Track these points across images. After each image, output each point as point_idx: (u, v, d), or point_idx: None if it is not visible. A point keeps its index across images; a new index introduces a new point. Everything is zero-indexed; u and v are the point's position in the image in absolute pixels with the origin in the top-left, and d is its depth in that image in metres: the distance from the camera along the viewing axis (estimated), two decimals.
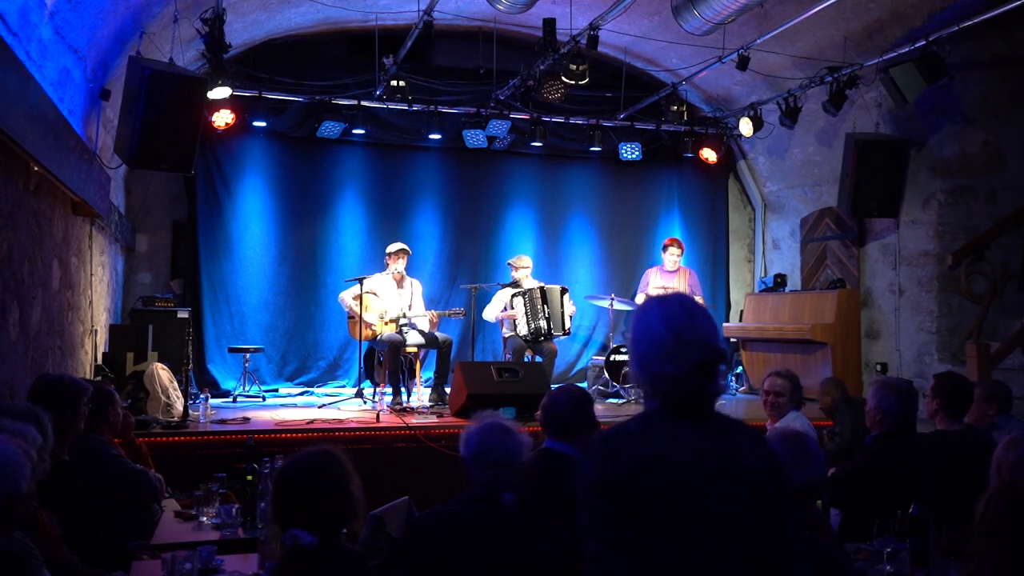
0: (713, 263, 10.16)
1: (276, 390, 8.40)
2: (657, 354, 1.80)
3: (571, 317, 8.10)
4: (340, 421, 6.32)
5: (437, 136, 8.66)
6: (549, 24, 6.81)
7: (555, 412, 3.25)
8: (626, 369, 7.99)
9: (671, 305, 1.84)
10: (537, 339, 7.76)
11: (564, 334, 8.02)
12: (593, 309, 9.31)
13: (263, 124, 8.36)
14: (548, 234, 9.67)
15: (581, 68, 6.86)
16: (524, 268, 8.05)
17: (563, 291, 8.00)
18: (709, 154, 9.50)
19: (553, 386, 6.90)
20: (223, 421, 6.09)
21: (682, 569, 1.76)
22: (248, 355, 7.98)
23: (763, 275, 10.01)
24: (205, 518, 3.53)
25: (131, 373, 6.06)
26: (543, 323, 7.73)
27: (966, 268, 6.85)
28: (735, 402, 8.29)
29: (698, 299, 8.45)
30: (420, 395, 7.53)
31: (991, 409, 4.27)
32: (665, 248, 8.69)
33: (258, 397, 7.78)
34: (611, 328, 8.70)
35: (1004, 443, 2.79)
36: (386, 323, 7.47)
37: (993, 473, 2.80)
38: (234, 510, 3.46)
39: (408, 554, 2.41)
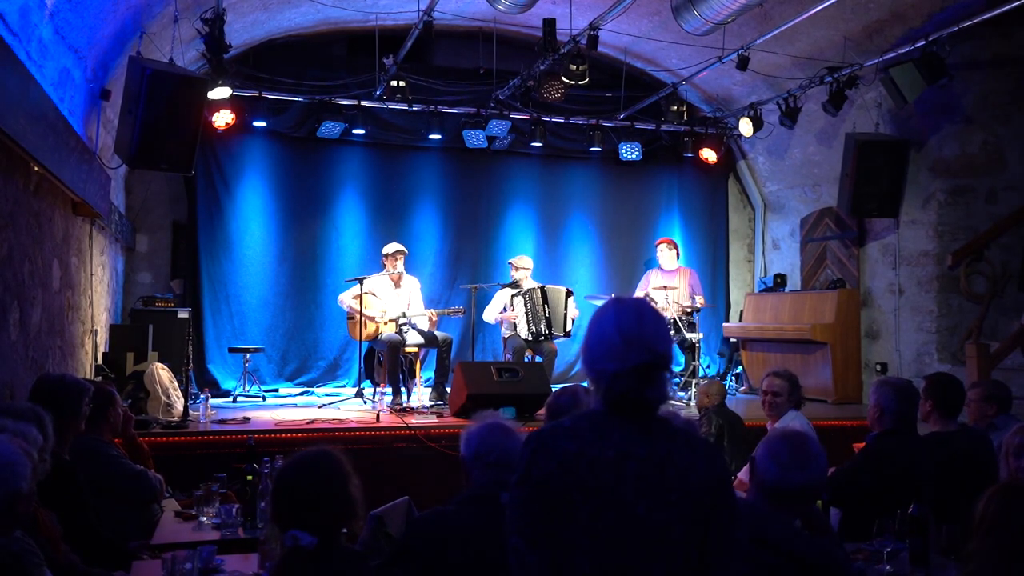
0: (713, 263, 10.16)
1: (276, 390, 8.40)
2: (603, 352, 1.84)
3: (573, 320, 8.11)
4: (340, 421, 6.32)
5: (437, 136, 8.66)
6: (549, 24, 6.81)
7: (559, 412, 3.26)
8: None
9: (626, 307, 1.88)
10: (537, 339, 7.76)
11: (565, 335, 8.03)
12: (593, 309, 9.29)
13: (263, 124, 8.36)
14: (548, 234, 9.67)
15: (581, 68, 6.86)
16: (524, 269, 8.06)
17: (568, 293, 8.01)
18: (709, 154, 9.50)
19: (553, 386, 6.93)
20: (223, 421, 6.09)
21: (600, 570, 1.76)
22: (248, 355, 7.98)
23: (763, 275, 10.01)
24: (205, 518, 3.54)
25: (131, 373, 6.06)
26: (543, 323, 7.73)
27: (966, 268, 6.85)
28: (735, 402, 8.29)
29: (699, 299, 8.54)
30: (420, 395, 7.53)
31: (990, 409, 4.26)
32: (656, 247, 8.78)
33: (258, 397, 7.78)
34: None
35: (1014, 430, 2.90)
36: (386, 323, 7.47)
37: (1001, 459, 2.84)
38: (234, 510, 3.46)
39: (408, 554, 2.41)
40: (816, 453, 2.53)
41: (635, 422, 1.83)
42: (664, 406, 1.90)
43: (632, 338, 1.82)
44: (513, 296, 7.92)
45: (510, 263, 8.19)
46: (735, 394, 9.03)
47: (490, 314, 8.14)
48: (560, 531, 1.77)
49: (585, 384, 8.24)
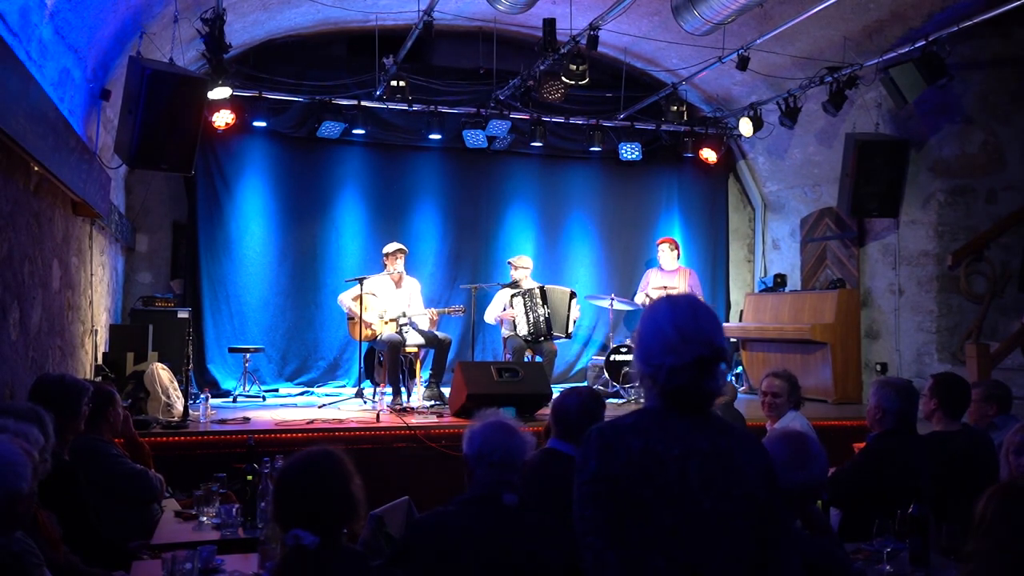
0: (713, 263, 10.16)
1: (276, 390, 8.40)
2: (660, 348, 1.86)
3: (575, 322, 8.11)
4: (340, 421, 6.32)
5: (437, 136, 8.66)
6: (549, 24, 6.81)
7: (564, 412, 3.27)
8: (626, 369, 8.00)
9: (679, 304, 1.91)
10: (537, 339, 7.76)
11: (566, 337, 8.03)
12: (593, 309, 9.32)
13: (263, 124, 8.36)
14: (548, 234, 9.67)
15: (581, 68, 6.86)
16: (524, 268, 8.06)
17: (572, 295, 8.02)
18: (709, 154, 9.50)
19: (553, 386, 6.94)
20: (223, 421, 6.08)
21: (674, 565, 1.78)
22: (248, 355, 7.98)
23: (763, 275, 10.01)
24: (205, 518, 3.54)
25: (131, 373, 6.06)
26: (542, 323, 7.74)
27: (966, 268, 6.86)
28: (735, 402, 8.28)
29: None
30: (420, 395, 7.53)
31: (990, 409, 4.26)
32: (657, 247, 8.79)
33: (258, 397, 7.78)
34: (611, 328, 8.71)
35: (1015, 428, 2.92)
36: (386, 323, 7.48)
37: (1002, 457, 2.84)
38: (234, 510, 3.46)
39: (408, 554, 2.41)
40: (816, 453, 2.53)
41: (694, 417, 1.87)
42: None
43: (689, 333, 1.85)
44: (512, 296, 7.93)
45: (509, 263, 8.20)
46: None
47: (490, 314, 8.14)
48: (633, 528, 1.79)
49: (585, 384, 8.20)
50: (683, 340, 1.84)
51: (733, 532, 1.81)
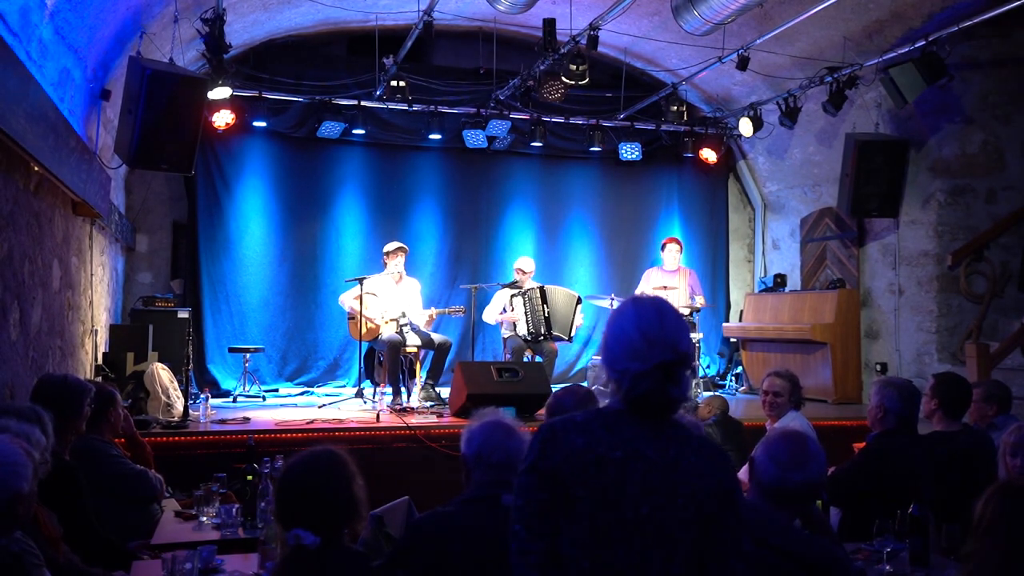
0: (713, 263, 10.16)
1: (276, 390, 8.40)
2: (624, 353, 1.84)
3: (578, 327, 8.12)
4: (340, 421, 6.31)
5: (437, 136, 8.65)
6: (549, 24, 6.81)
7: (560, 413, 3.25)
8: None
9: (645, 307, 1.88)
10: (536, 339, 7.77)
11: (567, 340, 8.04)
12: (593, 309, 9.31)
13: (263, 124, 8.36)
14: (548, 234, 9.67)
15: (581, 68, 6.86)
16: (529, 273, 8.07)
17: (578, 301, 8.02)
18: (709, 154, 9.50)
19: (553, 386, 6.94)
20: (223, 421, 6.08)
21: (600, 569, 1.76)
22: (248, 355, 7.98)
23: (763, 275, 10.01)
24: (205, 518, 3.54)
25: (131, 373, 6.06)
26: (542, 323, 7.74)
27: (966, 268, 6.86)
28: (735, 402, 8.29)
29: (699, 299, 8.54)
30: (418, 395, 7.53)
31: (991, 409, 4.27)
32: (664, 247, 8.75)
33: (258, 397, 7.78)
34: None
35: (1011, 429, 2.95)
36: (386, 322, 7.48)
37: (1000, 458, 2.84)
38: (234, 510, 3.46)
39: (408, 554, 2.41)
40: (815, 453, 2.53)
41: (649, 423, 1.84)
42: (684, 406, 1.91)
43: (654, 337, 1.82)
44: (513, 296, 7.93)
45: (518, 268, 8.13)
46: (735, 394, 9.03)
47: (490, 315, 8.14)
48: (562, 524, 1.78)
49: (585, 384, 8.23)
50: (648, 344, 1.81)
51: (669, 543, 1.77)
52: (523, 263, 8.13)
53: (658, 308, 1.88)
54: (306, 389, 8.50)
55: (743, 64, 7.20)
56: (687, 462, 1.81)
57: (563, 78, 6.99)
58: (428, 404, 7.22)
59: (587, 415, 1.87)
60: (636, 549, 1.77)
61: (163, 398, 5.97)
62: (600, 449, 1.79)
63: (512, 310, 7.94)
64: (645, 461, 1.80)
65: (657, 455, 1.80)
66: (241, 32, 7.49)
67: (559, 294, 7.97)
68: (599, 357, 8.62)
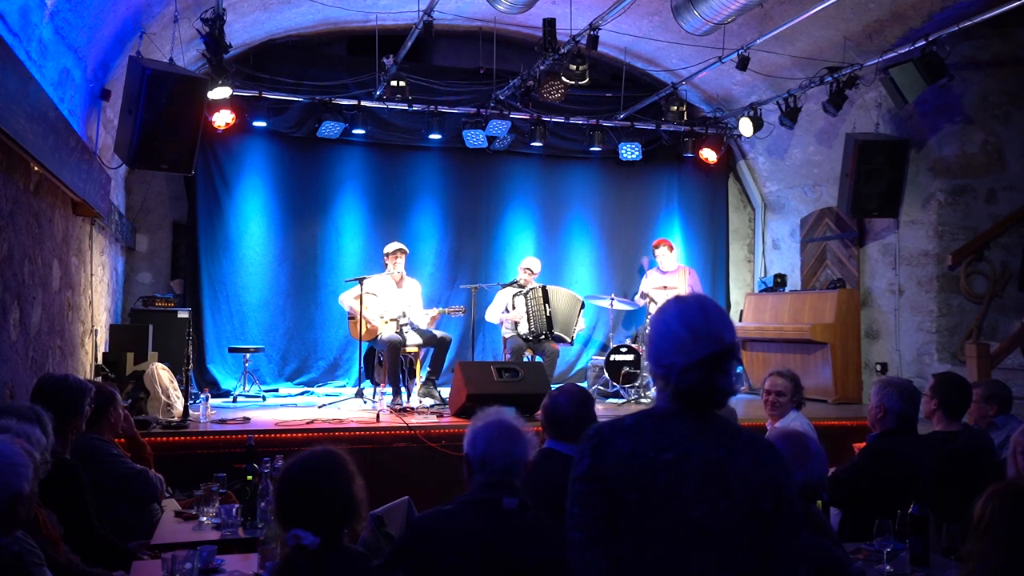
0: (713, 263, 10.16)
1: (276, 390, 8.40)
2: (670, 348, 1.85)
3: (578, 331, 8.13)
4: (340, 421, 6.32)
5: (437, 136, 8.65)
6: (549, 24, 6.81)
7: (556, 413, 3.24)
8: (626, 369, 8.00)
9: (689, 304, 1.90)
10: (538, 338, 7.77)
11: (568, 342, 8.04)
12: (593, 309, 9.32)
13: (263, 124, 8.35)
14: (548, 234, 9.67)
15: (581, 68, 6.86)
16: (533, 272, 8.06)
17: (582, 305, 8.02)
18: (709, 154, 9.50)
19: (553, 386, 6.93)
20: (223, 421, 6.09)
21: (663, 572, 1.76)
22: (248, 355, 7.99)
23: (763, 275, 10.01)
24: (205, 518, 3.54)
25: (131, 373, 6.06)
26: (544, 323, 7.74)
27: (966, 268, 6.86)
28: (735, 402, 8.30)
29: None
30: (417, 392, 7.54)
31: (991, 409, 4.27)
32: (654, 250, 8.80)
33: (258, 397, 7.78)
34: (611, 328, 8.71)
35: (1022, 428, 2.90)
36: (386, 322, 7.48)
37: (1008, 456, 2.84)
38: (234, 510, 3.47)
39: (408, 554, 2.41)
40: (816, 453, 2.53)
41: (697, 422, 1.84)
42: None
43: (699, 331, 1.83)
44: (514, 295, 7.94)
45: (526, 268, 8.12)
46: (735, 394, 9.03)
47: (492, 314, 8.15)
48: (622, 530, 1.78)
49: (585, 384, 8.21)
50: (694, 338, 1.82)
51: (726, 543, 1.77)
52: (530, 263, 8.14)
53: (701, 303, 1.89)
54: (306, 389, 8.50)
55: (743, 64, 7.20)
56: (737, 459, 1.81)
57: (563, 78, 6.99)
58: (428, 404, 7.22)
59: (636, 417, 1.87)
60: (694, 551, 1.76)
61: (163, 398, 5.97)
62: (648, 452, 1.80)
63: (514, 309, 7.94)
64: (697, 460, 1.79)
65: (708, 454, 1.80)
66: (241, 32, 7.49)
67: (562, 295, 7.97)
68: (600, 358, 8.64)
